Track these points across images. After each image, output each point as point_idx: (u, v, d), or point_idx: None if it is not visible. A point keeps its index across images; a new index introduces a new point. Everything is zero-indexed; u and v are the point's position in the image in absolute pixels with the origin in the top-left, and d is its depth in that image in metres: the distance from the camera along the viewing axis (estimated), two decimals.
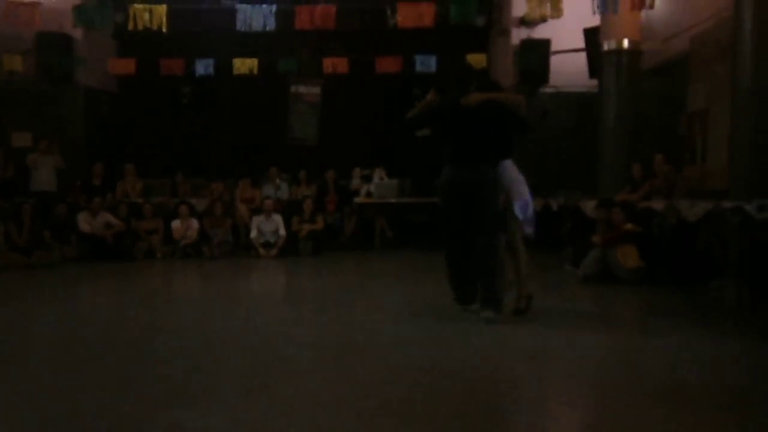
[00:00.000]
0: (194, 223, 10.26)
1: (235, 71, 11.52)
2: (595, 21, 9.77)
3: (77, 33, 11.16)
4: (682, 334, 4.85)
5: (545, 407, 3.41)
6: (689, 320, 5.31)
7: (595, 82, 10.38)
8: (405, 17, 10.04)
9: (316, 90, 13.24)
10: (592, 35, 10.51)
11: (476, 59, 11.40)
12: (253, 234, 10.29)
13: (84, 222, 9.90)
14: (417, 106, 5.33)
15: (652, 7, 8.61)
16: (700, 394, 3.43)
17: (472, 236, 5.01)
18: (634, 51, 9.49)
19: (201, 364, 4.00)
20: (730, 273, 5.98)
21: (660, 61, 9.62)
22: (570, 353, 4.28)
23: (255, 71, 11.55)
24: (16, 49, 10.81)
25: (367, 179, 11.91)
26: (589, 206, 8.59)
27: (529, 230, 5.26)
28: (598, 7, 8.51)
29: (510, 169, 5.23)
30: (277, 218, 10.35)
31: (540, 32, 11.42)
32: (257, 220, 10.37)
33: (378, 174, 11.79)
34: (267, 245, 10.19)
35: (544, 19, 10.48)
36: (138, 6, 10.14)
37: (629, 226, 7.31)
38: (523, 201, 5.20)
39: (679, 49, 9.12)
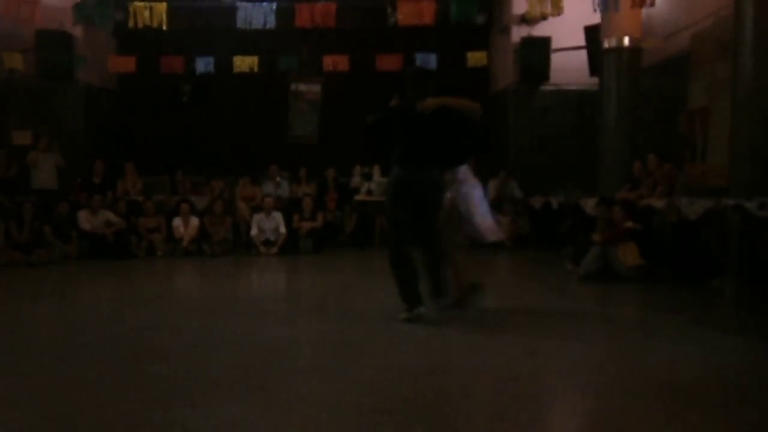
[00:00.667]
0: (195, 221, 10.26)
1: (236, 69, 11.52)
2: (595, 19, 9.77)
3: (77, 31, 11.16)
4: (683, 332, 4.85)
5: (546, 406, 3.41)
6: (690, 318, 5.30)
7: (595, 79, 10.38)
8: (405, 15, 10.05)
9: (316, 88, 13.24)
10: (592, 33, 10.51)
11: (476, 57, 11.42)
12: (254, 232, 10.29)
13: (84, 220, 9.90)
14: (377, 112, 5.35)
15: (652, 5, 8.60)
16: (702, 393, 3.43)
17: (415, 238, 5.05)
18: (635, 49, 9.48)
19: (201, 362, 4.00)
20: (731, 271, 5.98)
21: (660, 59, 9.61)
22: (570, 351, 4.28)
23: (255, 69, 11.55)
24: (17, 47, 10.80)
25: (367, 177, 11.90)
26: (589, 204, 8.60)
27: (489, 236, 5.40)
28: (598, 5, 8.50)
29: (462, 173, 5.31)
30: (278, 216, 10.34)
31: (540, 30, 11.41)
32: (257, 218, 10.37)
33: (377, 173, 11.80)
34: (267, 243, 10.19)
35: (544, 17, 10.47)
36: (138, 4, 10.14)
37: (629, 224, 7.31)
38: (466, 204, 5.32)
39: (679, 47, 9.11)
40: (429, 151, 5.00)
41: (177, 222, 10.24)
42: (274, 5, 10.20)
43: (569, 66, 11.33)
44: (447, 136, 5.05)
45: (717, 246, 6.38)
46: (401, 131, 5.11)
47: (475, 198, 5.39)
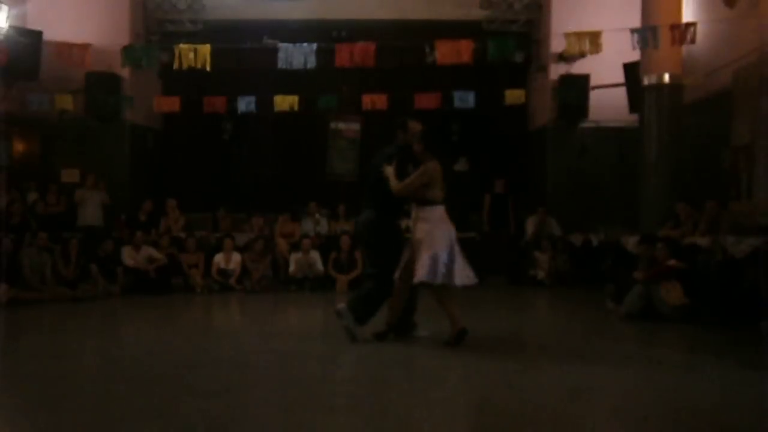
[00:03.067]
0: (237, 257, 10.41)
1: (276, 108, 11.71)
2: (635, 56, 9.73)
3: (125, 72, 11.53)
4: (730, 375, 4.70)
5: None
6: (738, 361, 5.14)
7: (635, 116, 10.30)
8: (443, 54, 10.12)
9: (355, 126, 13.39)
10: (632, 70, 10.46)
11: (515, 95, 11.41)
12: (292, 269, 10.39)
13: (128, 256, 10.11)
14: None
15: (693, 41, 8.55)
16: None
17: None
18: (676, 85, 9.40)
19: (239, 398, 4.01)
20: None
21: (702, 95, 9.51)
22: (613, 393, 4.18)
23: (295, 108, 11.72)
24: (67, 88, 11.19)
25: (406, 214, 11.89)
26: (630, 242, 8.46)
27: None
28: (638, 42, 8.48)
29: (435, 217, 5.95)
30: (315, 255, 10.45)
31: (579, 67, 11.41)
32: (295, 257, 10.48)
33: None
34: (305, 280, 10.27)
35: (583, 55, 10.48)
36: (183, 46, 10.44)
37: (673, 262, 7.16)
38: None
39: (721, 84, 9.01)
40: (370, 194, 6.01)
41: (218, 258, 10.39)
42: (315, 46, 10.40)
43: (608, 103, 11.27)
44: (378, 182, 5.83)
45: (765, 286, 6.20)
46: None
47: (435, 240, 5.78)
